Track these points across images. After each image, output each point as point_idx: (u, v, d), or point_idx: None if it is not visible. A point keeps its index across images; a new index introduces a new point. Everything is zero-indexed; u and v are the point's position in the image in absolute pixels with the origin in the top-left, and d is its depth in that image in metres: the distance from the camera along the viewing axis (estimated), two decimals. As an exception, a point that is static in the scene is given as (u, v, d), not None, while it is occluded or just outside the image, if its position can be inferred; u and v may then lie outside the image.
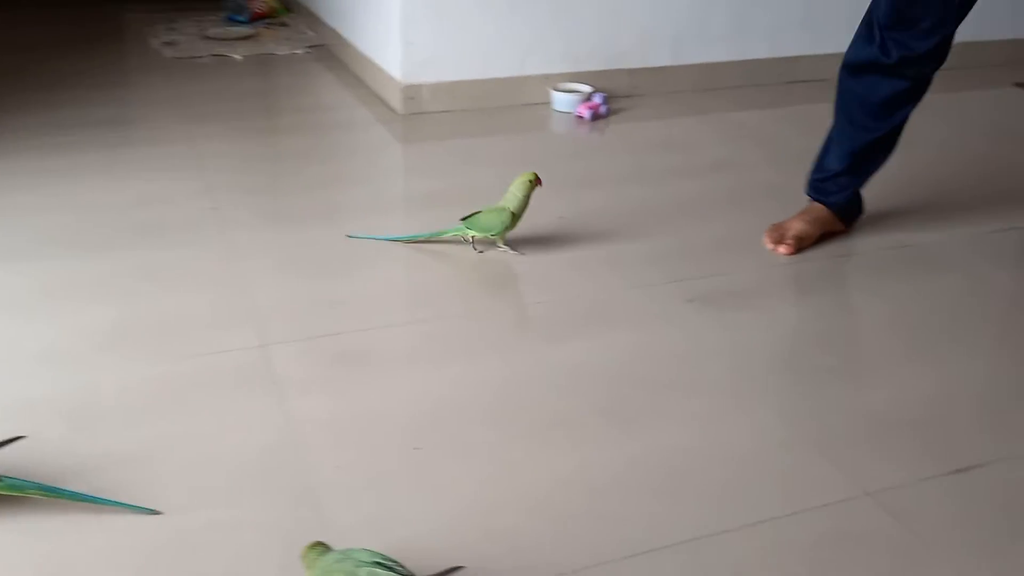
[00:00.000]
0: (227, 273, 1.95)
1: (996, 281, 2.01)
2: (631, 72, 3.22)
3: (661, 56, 3.25)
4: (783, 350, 1.73)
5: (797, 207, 2.30)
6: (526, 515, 1.31)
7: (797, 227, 2.11)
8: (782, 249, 2.08)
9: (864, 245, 2.15)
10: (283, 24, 4.12)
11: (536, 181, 2.05)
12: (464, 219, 2.06)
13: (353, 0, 3.36)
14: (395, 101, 2.99)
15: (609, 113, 3.05)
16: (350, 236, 2.11)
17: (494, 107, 3.07)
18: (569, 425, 1.50)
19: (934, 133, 2.98)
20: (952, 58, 3.56)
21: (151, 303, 1.83)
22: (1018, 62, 3.78)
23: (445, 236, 2.10)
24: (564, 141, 2.89)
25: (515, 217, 2.03)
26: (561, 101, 3.07)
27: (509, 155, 2.71)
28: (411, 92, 2.95)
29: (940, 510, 1.33)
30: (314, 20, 3.95)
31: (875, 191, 2.48)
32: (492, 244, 2.08)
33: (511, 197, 2.04)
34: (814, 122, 3.05)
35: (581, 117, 3.00)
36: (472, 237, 2.07)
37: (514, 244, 2.07)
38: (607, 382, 1.62)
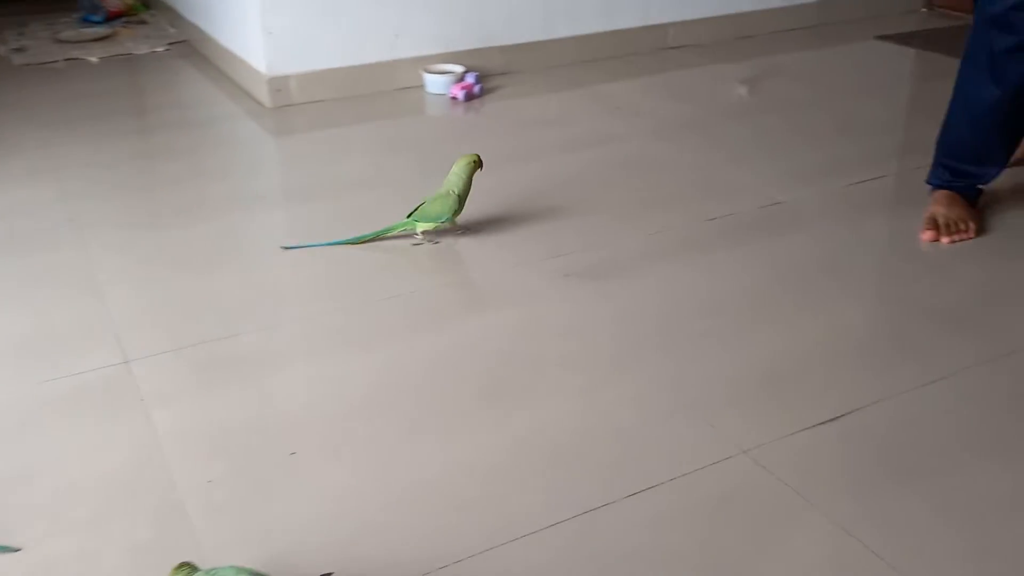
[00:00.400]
0: (87, 284, 1.86)
1: (865, 231, 2.07)
2: (503, 49, 3.19)
3: (532, 31, 3.23)
4: (661, 318, 1.74)
5: (671, 176, 2.33)
6: (407, 509, 1.28)
7: (936, 211, 2.06)
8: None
9: (739, 205, 2.18)
10: (142, 22, 3.95)
11: (478, 163, 2.01)
12: (410, 214, 2.01)
13: (211, -8, 3.24)
14: (262, 94, 2.90)
15: (483, 92, 3.03)
16: (285, 247, 2.00)
17: (366, 94, 3.01)
18: (449, 412, 1.48)
19: (800, 90, 3.05)
20: (814, 14, 3.66)
21: (2, 323, 1.73)
22: (878, 15, 3.90)
23: (392, 233, 2.03)
24: (440, 123, 2.85)
25: (461, 200, 2.00)
26: (434, 83, 3.02)
27: (385, 141, 2.66)
28: (278, 84, 2.86)
29: (811, 461, 1.36)
30: (174, 15, 3.80)
31: (746, 151, 2.52)
32: (443, 233, 2.05)
33: (454, 180, 1.99)
34: (685, 89, 3.10)
35: (455, 98, 2.96)
36: (422, 232, 2.01)
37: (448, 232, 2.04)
38: (488, 364, 1.60)
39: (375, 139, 2.68)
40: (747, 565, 1.18)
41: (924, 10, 4.07)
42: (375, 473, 1.35)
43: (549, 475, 1.34)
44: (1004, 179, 2.18)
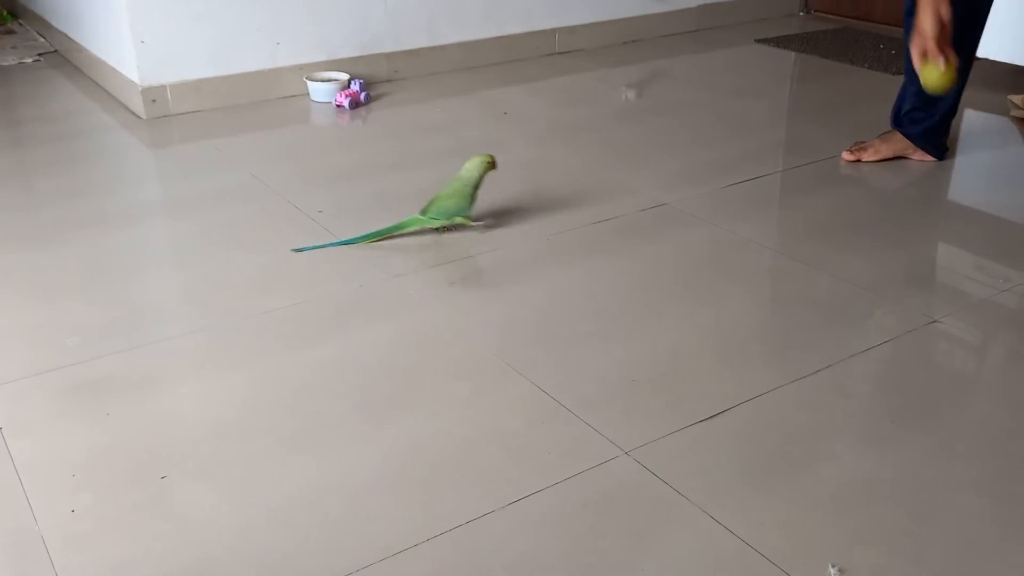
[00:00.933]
0: (-59, 312, 1.75)
1: (739, 231, 2.11)
2: (388, 56, 3.16)
3: (418, 38, 3.21)
4: (546, 321, 1.74)
5: (558, 180, 2.34)
6: (280, 530, 1.23)
7: (871, 142, 2.48)
8: (847, 155, 2.48)
9: (622, 208, 2.20)
10: (10, 32, 3.77)
11: (492, 164, 2.03)
12: (424, 210, 2.00)
13: (81, 0, 3.10)
14: (136, 105, 2.80)
15: (370, 100, 2.98)
16: (296, 250, 1.97)
17: (247, 103, 2.93)
18: (324, 428, 1.44)
19: (686, 92, 3.11)
20: (695, 19, 3.73)
21: None
22: (757, 19, 4.01)
23: (407, 230, 2.01)
24: (324, 132, 2.80)
25: (475, 191, 2.01)
26: (318, 91, 2.97)
27: (267, 151, 2.59)
28: (152, 94, 2.76)
29: (692, 459, 1.37)
30: (44, 25, 3.64)
31: (633, 153, 2.55)
32: (457, 228, 2.06)
33: (467, 176, 2.01)
34: (572, 93, 3.12)
35: (341, 106, 2.91)
36: (443, 227, 2.03)
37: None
38: (365, 378, 1.56)
39: (256, 149, 2.61)
40: (630, 565, 1.18)
41: (801, 14, 4.20)
42: (247, 495, 1.30)
43: (428, 487, 1.31)
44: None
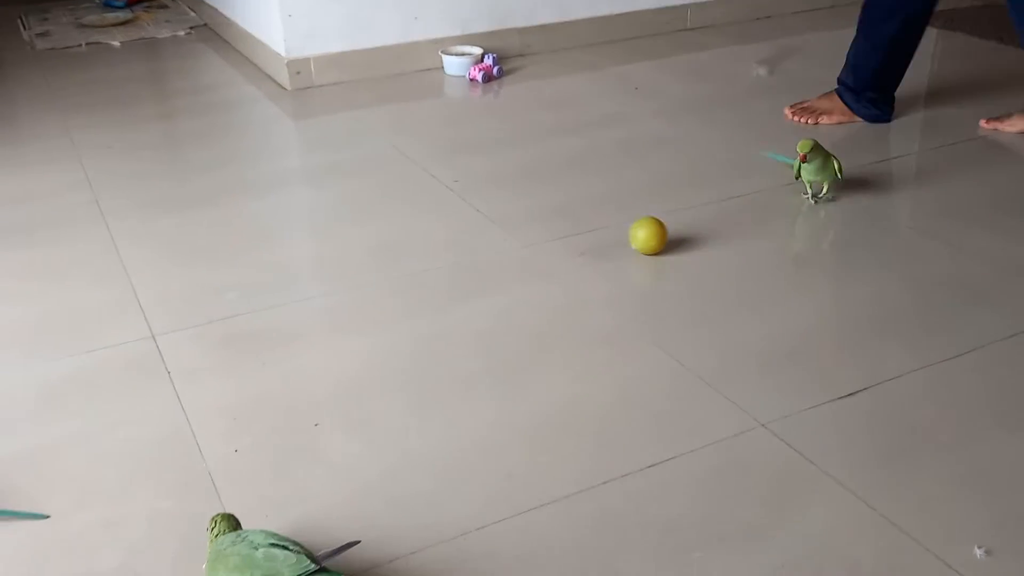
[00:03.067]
0: (111, 265, 1.88)
1: (879, 209, 2.06)
2: (521, 31, 3.20)
3: (549, 13, 3.23)
4: (680, 294, 1.75)
5: (685, 157, 2.33)
6: (424, 480, 1.30)
7: (816, 101, 2.58)
8: (791, 115, 2.57)
9: (760, 184, 2.18)
10: (163, 6, 3.98)
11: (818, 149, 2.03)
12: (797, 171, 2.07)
13: (231, -24, 3.25)
14: (282, 77, 2.92)
15: (502, 74, 3.03)
16: (767, 155, 2.28)
17: (385, 75, 3.02)
18: (465, 387, 1.49)
19: (819, 70, 3.04)
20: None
21: (31, 302, 1.76)
22: None
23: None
24: (458, 105, 2.86)
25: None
26: (452, 65, 3.03)
27: (404, 122, 2.67)
28: (297, 67, 2.88)
29: (829, 434, 1.37)
30: (195, 0, 3.83)
31: (761, 129, 2.52)
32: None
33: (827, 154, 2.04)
34: (702, 70, 3.09)
35: (474, 80, 2.97)
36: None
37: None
38: (502, 341, 1.61)
39: (395, 120, 2.69)
40: (765, 533, 1.19)
41: (945, -10, 4.02)
42: (392, 446, 1.37)
43: (565, 448, 1.35)
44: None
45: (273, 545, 1.03)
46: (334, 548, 1.08)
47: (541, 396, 1.47)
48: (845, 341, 1.59)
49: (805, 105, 2.58)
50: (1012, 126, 2.41)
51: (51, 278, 1.85)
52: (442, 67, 3.06)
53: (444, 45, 3.07)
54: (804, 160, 2.01)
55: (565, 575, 1.14)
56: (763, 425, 1.38)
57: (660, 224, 1.85)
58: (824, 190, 2.08)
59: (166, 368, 1.55)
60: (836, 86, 2.56)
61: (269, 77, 3.03)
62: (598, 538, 1.19)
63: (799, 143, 2.01)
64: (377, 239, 1.98)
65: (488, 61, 3.02)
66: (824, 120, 2.53)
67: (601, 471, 1.30)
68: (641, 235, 1.85)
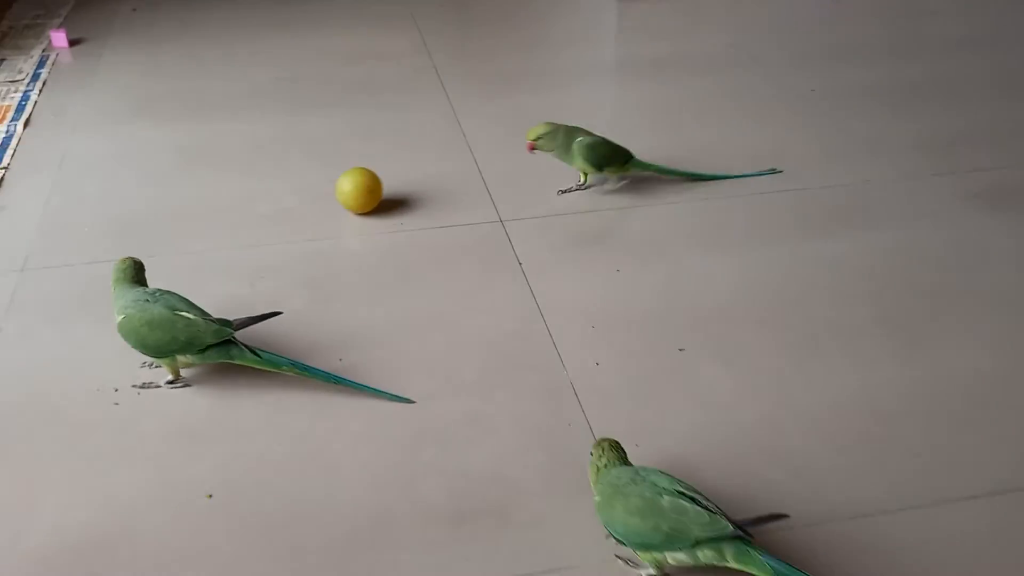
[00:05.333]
0: (454, 138, 1.83)
1: None
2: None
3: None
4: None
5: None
6: (804, 438, 1.15)
7: None
8: None
9: None
10: None
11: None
12: None
13: None
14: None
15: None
16: None
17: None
18: (843, 336, 1.32)
19: None
20: None
21: (376, 164, 1.73)
22: None
23: None
24: (810, 7, 2.57)
25: None
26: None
27: (749, 18, 2.43)
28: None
29: None
30: None
31: None
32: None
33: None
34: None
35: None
36: None
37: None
38: (879, 288, 1.42)
39: (738, 14, 2.46)
40: None
41: None
42: (765, 389, 1.23)
43: (964, 432, 1.16)
44: None
45: (681, 494, 0.93)
46: (754, 518, 0.93)
47: (935, 363, 1.27)
48: None
49: None
50: None
51: (398, 142, 1.82)
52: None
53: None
54: None
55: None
56: None
57: None
58: None
59: (517, 258, 1.48)
60: None
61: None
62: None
63: None
64: (745, 145, 1.80)
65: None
66: None
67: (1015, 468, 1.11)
68: None
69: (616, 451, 1.00)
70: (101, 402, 1.20)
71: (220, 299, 1.34)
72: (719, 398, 1.22)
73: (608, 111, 1.98)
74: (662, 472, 0.96)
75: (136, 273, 1.23)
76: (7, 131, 1.84)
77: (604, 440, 1.02)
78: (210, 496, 1.08)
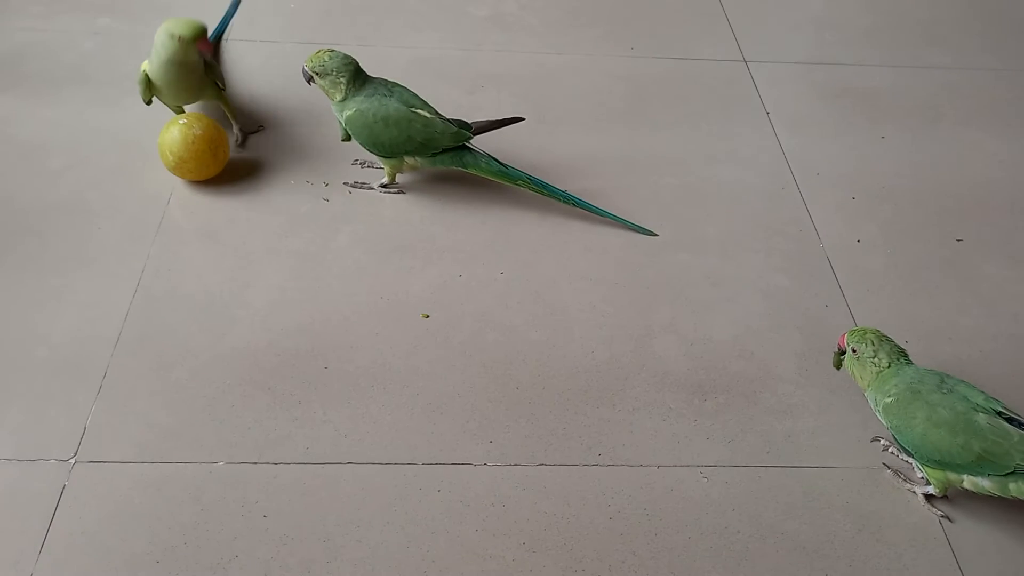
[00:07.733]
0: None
1: None
2: None
3: None
4: None
5: None
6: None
7: None
8: None
9: None
10: None
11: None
12: None
13: None
14: None
15: None
16: None
17: None
18: None
19: None
20: None
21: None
22: None
23: None
24: None
25: None
26: None
27: None
28: None
29: None
30: None
31: None
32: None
33: None
34: None
35: None
36: None
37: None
38: None
39: None
40: None
41: None
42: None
43: None
44: None
45: (999, 414, 0.77)
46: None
47: None
48: None
49: None
50: None
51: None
52: None
53: None
54: None
55: None
56: None
57: None
58: None
59: (763, 106, 1.30)
60: None
61: None
62: None
63: None
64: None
65: None
66: None
67: None
68: None
69: (890, 344, 0.84)
70: (312, 194, 1.10)
71: (435, 103, 1.20)
72: (1009, 303, 1.04)
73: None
74: (969, 384, 0.81)
75: (358, 68, 1.08)
76: None
77: (869, 331, 0.85)
78: (427, 316, 0.97)
